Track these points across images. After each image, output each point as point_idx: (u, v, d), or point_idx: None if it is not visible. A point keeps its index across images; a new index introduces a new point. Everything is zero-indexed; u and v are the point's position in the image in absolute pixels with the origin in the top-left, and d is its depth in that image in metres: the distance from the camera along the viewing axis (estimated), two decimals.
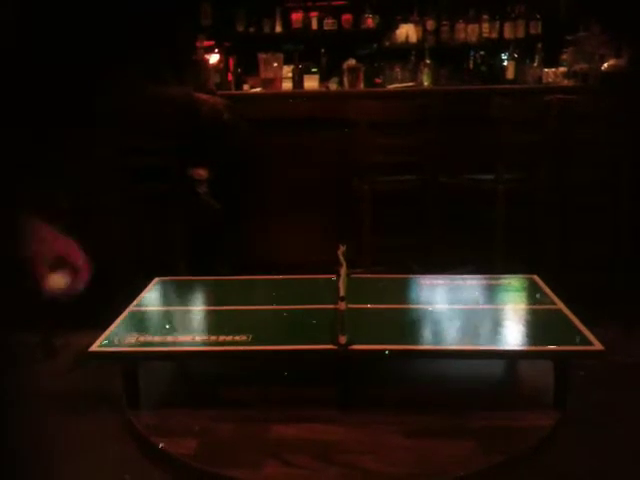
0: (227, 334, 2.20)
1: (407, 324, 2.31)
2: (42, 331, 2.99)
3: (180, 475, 1.97)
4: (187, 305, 2.64)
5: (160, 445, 1.92)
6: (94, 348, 2.16)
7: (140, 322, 2.43)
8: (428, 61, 4.83)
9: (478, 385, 2.29)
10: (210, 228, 3.42)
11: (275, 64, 4.47)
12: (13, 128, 3.15)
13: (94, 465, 2.11)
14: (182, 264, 3.27)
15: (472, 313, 2.46)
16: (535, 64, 4.66)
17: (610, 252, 3.32)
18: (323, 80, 4.93)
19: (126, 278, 3.15)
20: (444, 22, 5.22)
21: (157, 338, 2.25)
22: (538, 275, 2.74)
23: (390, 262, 3.24)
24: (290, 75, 4.76)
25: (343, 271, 2.19)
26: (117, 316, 2.44)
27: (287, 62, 4.75)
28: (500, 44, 5.16)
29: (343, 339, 2.05)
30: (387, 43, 5.34)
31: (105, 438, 2.23)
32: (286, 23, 5.39)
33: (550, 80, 4.43)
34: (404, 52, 5.15)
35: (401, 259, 3.34)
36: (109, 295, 3.05)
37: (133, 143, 3.19)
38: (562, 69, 4.39)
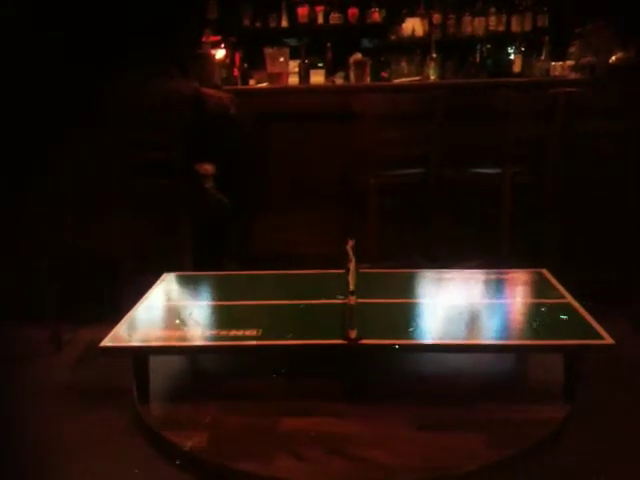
0: (237, 329, 2.21)
1: (416, 318, 2.31)
2: (50, 325, 2.99)
3: (190, 468, 1.98)
4: (196, 300, 2.65)
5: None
6: (105, 343, 2.17)
7: (150, 317, 2.44)
8: (434, 55, 4.81)
9: (488, 379, 2.30)
10: (216, 223, 3.42)
11: (281, 59, 4.45)
12: (19, 123, 3.14)
13: (103, 458, 2.12)
14: (189, 259, 3.28)
15: (481, 307, 2.47)
16: (542, 57, 4.64)
17: (616, 247, 3.31)
18: (329, 74, 4.92)
19: (133, 273, 3.16)
20: (450, 15, 5.20)
21: (167, 333, 2.25)
22: (544, 269, 2.74)
23: (396, 256, 3.24)
24: (296, 70, 4.76)
25: (352, 265, 2.19)
26: (125, 311, 2.45)
27: (293, 57, 4.74)
28: (507, 37, 5.14)
29: (353, 334, 2.05)
30: (393, 37, 5.32)
31: (114, 431, 2.24)
32: (292, 17, 5.38)
33: (557, 73, 4.40)
34: (410, 46, 5.14)
35: (407, 253, 3.35)
36: (116, 289, 3.06)
37: (139, 137, 3.19)
38: (569, 62, 4.36)
